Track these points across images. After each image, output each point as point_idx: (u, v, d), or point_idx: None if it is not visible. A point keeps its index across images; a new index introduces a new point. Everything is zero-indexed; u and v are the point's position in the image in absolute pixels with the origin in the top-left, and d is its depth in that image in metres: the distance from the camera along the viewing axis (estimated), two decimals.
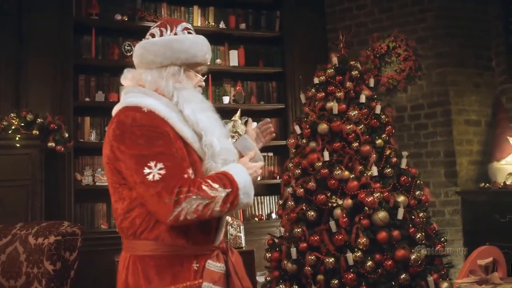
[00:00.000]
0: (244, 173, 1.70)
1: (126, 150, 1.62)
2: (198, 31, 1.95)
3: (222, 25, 5.06)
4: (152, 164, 1.58)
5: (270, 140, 2.19)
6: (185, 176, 1.61)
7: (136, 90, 1.78)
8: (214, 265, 1.70)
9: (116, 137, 1.64)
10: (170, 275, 1.66)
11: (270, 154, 5.14)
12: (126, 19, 4.77)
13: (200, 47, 1.83)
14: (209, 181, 1.61)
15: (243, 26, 5.16)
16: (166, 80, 1.77)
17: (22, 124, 3.90)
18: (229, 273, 1.73)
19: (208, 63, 1.91)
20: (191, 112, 1.73)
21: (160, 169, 1.58)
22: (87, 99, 4.61)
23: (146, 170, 1.57)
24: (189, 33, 1.85)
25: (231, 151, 1.79)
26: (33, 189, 3.90)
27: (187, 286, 1.67)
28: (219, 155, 1.73)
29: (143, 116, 1.65)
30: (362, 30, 5.11)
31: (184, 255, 1.69)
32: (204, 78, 1.91)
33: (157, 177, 1.56)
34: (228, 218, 3.87)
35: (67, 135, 4.09)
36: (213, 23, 5.05)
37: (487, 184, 4.32)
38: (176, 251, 1.68)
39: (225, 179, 1.64)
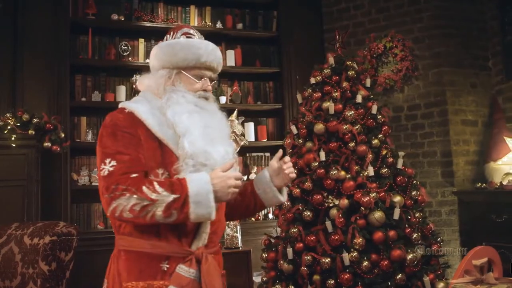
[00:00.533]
0: (203, 182, 1.65)
1: (97, 147, 1.74)
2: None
3: (219, 25, 5.06)
4: (107, 161, 1.67)
5: (290, 181, 2.04)
6: (133, 175, 1.63)
7: (140, 94, 1.91)
8: (185, 270, 1.69)
9: (98, 135, 1.77)
10: (137, 271, 1.70)
11: (267, 154, 5.14)
12: (123, 19, 4.76)
13: (191, 51, 1.84)
14: (155, 183, 1.61)
15: (240, 26, 5.16)
16: (158, 83, 1.85)
17: (18, 124, 3.90)
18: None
19: (211, 66, 1.88)
20: (171, 114, 1.76)
21: (111, 166, 1.65)
22: (83, 99, 4.60)
23: (102, 166, 1.67)
24: (188, 37, 1.90)
25: (210, 155, 1.74)
26: (29, 189, 3.90)
27: (151, 285, 1.68)
28: (191, 158, 1.71)
29: (121, 116, 1.75)
30: (359, 30, 5.12)
31: (155, 253, 1.70)
32: (212, 82, 1.92)
33: (106, 173, 1.65)
34: None
35: (63, 135, 4.08)
36: (210, 23, 5.05)
37: (484, 184, 4.33)
38: (147, 249, 1.71)
39: (177, 185, 1.62)
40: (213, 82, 1.92)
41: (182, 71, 1.85)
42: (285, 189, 2.09)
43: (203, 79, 1.88)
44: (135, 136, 1.72)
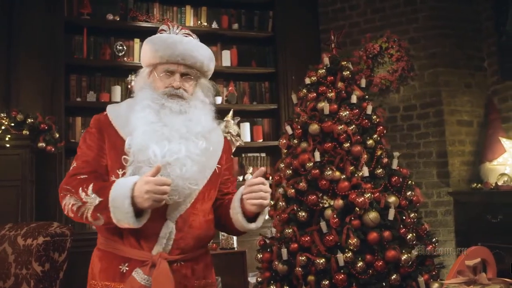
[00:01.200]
0: (125, 186, 1.59)
1: None
2: (190, 31, 1.95)
3: (214, 25, 5.05)
4: (74, 162, 1.76)
5: (255, 209, 1.77)
6: (80, 177, 1.67)
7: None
8: (140, 275, 1.66)
9: None
10: (100, 270, 1.74)
11: (263, 154, 5.13)
12: (118, 19, 4.75)
13: (151, 46, 1.81)
14: (90, 186, 1.62)
15: (235, 26, 5.15)
16: (138, 83, 1.86)
17: (12, 124, 3.88)
18: None
19: (175, 60, 1.78)
20: (133, 113, 1.76)
21: (72, 167, 1.74)
22: (78, 99, 4.59)
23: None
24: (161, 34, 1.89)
25: (146, 153, 1.67)
26: (23, 189, 3.88)
27: (108, 286, 1.70)
28: (132, 155, 1.68)
29: (96, 118, 1.82)
30: (355, 30, 5.12)
31: (117, 254, 1.72)
32: (183, 77, 1.81)
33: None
34: None
35: (57, 135, 4.07)
36: (206, 23, 5.04)
37: (479, 185, 4.33)
38: (111, 249, 1.73)
39: (105, 188, 1.61)
40: (184, 77, 1.81)
41: (153, 68, 1.83)
42: (262, 216, 1.86)
43: (172, 75, 1.80)
44: (100, 138, 1.75)
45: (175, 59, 1.78)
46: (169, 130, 1.71)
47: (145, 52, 1.83)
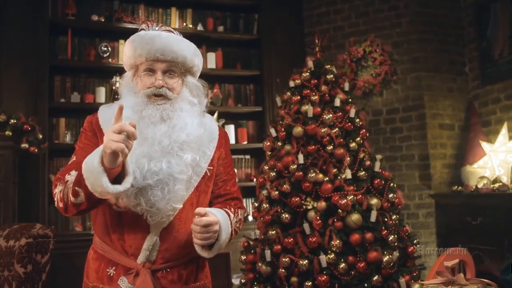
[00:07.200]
0: (95, 151, 1.47)
1: None
2: (172, 29, 1.91)
3: (200, 27, 5.06)
4: (73, 156, 1.70)
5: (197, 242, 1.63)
6: (72, 172, 1.59)
7: None
8: (125, 283, 1.65)
9: None
10: (91, 271, 1.74)
11: (247, 156, 5.15)
12: (103, 20, 4.74)
13: (130, 46, 1.71)
14: (74, 170, 1.56)
15: (221, 28, 5.17)
16: (121, 87, 1.79)
17: None
18: None
19: (154, 57, 1.66)
20: None
21: (68, 163, 1.68)
22: (62, 100, 4.56)
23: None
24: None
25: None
26: (6, 190, 3.85)
27: (96, 287, 1.70)
28: None
29: (88, 119, 1.79)
30: (339, 34, 5.17)
31: (106, 257, 1.71)
32: (166, 74, 1.69)
33: None
34: None
35: (41, 136, 4.04)
36: (191, 25, 5.05)
37: (460, 187, 4.39)
38: (103, 251, 1.73)
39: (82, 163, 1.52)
40: (167, 74, 1.69)
41: (136, 70, 1.73)
42: (216, 249, 1.69)
43: (154, 74, 1.68)
44: (91, 136, 1.73)
45: (154, 55, 1.65)
46: (150, 145, 1.59)
47: (125, 53, 1.75)
